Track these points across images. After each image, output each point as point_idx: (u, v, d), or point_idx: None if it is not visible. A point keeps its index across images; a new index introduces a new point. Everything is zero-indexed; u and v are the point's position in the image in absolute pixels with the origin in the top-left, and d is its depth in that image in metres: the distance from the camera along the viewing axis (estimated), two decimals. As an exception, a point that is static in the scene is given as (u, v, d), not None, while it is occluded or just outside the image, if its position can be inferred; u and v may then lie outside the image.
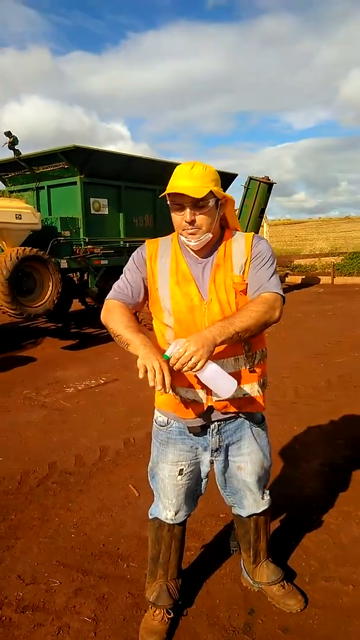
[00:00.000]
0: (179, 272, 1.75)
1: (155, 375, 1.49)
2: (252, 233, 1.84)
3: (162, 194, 1.69)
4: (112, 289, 1.85)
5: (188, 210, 1.65)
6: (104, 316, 1.81)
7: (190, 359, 1.49)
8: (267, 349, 1.88)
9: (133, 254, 1.86)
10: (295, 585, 2.17)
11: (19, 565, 2.38)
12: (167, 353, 1.54)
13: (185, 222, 1.66)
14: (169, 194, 1.66)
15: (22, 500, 2.98)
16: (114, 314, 1.76)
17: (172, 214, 1.72)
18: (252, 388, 1.81)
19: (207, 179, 1.65)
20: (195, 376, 1.64)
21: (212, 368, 1.56)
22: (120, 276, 1.86)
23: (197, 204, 1.65)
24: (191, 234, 1.69)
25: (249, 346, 1.76)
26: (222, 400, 1.76)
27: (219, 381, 1.60)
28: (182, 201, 1.65)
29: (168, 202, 1.74)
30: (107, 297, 1.84)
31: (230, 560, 2.34)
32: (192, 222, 1.66)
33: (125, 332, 1.70)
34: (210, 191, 1.64)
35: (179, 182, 1.65)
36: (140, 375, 1.52)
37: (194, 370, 1.52)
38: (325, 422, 4.03)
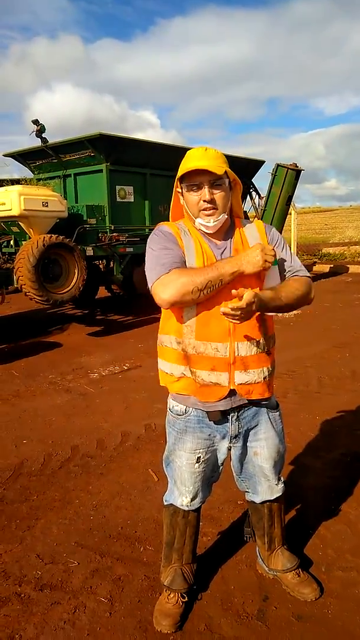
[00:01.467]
0: (205, 253, 1.74)
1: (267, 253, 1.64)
2: (261, 221, 1.91)
3: (180, 174, 1.69)
4: (156, 270, 1.67)
5: (206, 188, 1.68)
6: (168, 293, 1.61)
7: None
8: (275, 334, 1.90)
9: (153, 237, 1.76)
10: (310, 573, 2.16)
11: (38, 545, 2.44)
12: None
13: (204, 201, 1.68)
14: (185, 176, 1.69)
15: (44, 482, 3.04)
16: (181, 278, 1.61)
17: (188, 196, 1.73)
18: (269, 370, 1.84)
19: (221, 160, 1.71)
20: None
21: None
22: (155, 259, 1.70)
23: (215, 183, 1.68)
24: (209, 214, 1.70)
25: (265, 329, 1.79)
26: (245, 384, 1.77)
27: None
28: (201, 180, 1.67)
29: (178, 189, 1.76)
30: (154, 281, 1.67)
31: (246, 547, 2.34)
32: (211, 201, 1.68)
33: (207, 273, 1.61)
34: (225, 171, 1.68)
35: (196, 162, 1.67)
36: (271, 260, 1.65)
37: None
38: (349, 412, 3.97)
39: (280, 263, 1.82)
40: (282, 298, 1.71)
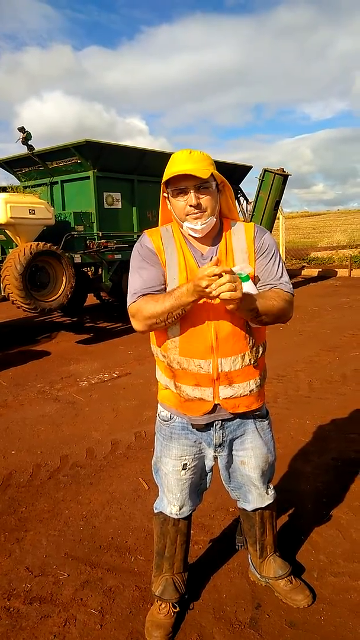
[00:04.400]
0: (188, 267, 1.70)
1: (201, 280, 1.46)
2: (253, 223, 1.81)
3: (165, 178, 1.65)
4: (129, 296, 1.72)
5: (192, 193, 1.63)
6: (137, 323, 1.69)
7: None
8: (266, 342, 1.86)
9: (134, 252, 1.77)
10: (303, 580, 2.15)
11: (28, 557, 2.40)
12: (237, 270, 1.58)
13: (190, 205, 1.64)
14: (170, 180, 1.64)
15: (33, 493, 3.00)
16: (144, 310, 1.65)
17: (174, 201, 1.68)
18: (256, 382, 1.79)
19: (207, 162, 1.66)
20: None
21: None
22: (131, 281, 1.74)
23: (201, 187, 1.63)
24: (196, 217, 1.65)
25: (253, 342, 1.75)
26: (231, 399, 1.75)
27: None
28: (186, 184, 1.63)
29: (165, 193, 1.72)
30: (128, 307, 1.73)
31: (238, 555, 2.33)
32: (197, 206, 1.63)
33: (166, 304, 1.59)
34: (212, 173, 1.63)
35: (181, 167, 1.62)
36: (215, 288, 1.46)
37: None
38: (339, 416, 3.98)
39: (265, 274, 1.73)
40: (258, 304, 1.61)
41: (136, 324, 1.71)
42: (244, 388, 1.76)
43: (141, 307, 1.66)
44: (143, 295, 1.68)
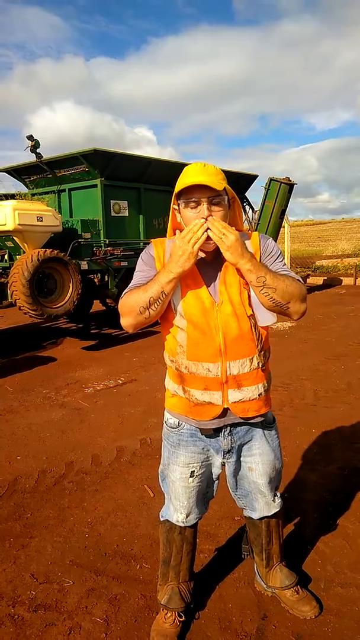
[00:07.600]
0: (189, 274, 1.70)
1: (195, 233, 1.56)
2: (257, 232, 1.83)
3: (178, 189, 1.64)
4: (123, 294, 1.75)
5: (205, 205, 1.63)
6: (124, 319, 1.73)
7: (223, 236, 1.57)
8: (270, 347, 1.86)
9: (139, 259, 1.81)
10: (309, 590, 2.13)
11: (32, 564, 2.40)
12: None
13: (202, 218, 1.63)
14: (182, 191, 1.64)
15: (38, 499, 3.00)
16: (128, 301, 1.69)
17: (185, 212, 1.68)
18: (264, 386, 1.80)
19: (221, 176, 1.66)
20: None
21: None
22: (132, 282, 1.79)
23: (214, 200, 1.63)
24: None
25: (261, 345, 1.75)
26: (240, 402, 1.75)
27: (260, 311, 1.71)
28: (199, 196, 1.62)
29: (175, 205, 1.72)
30: (119, 304, 1.76)
31: (244, 564, 2.31)
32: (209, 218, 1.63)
33: (147, 290, 1.64)
34: (224, 187, 1.63)
35: (195, 178, 1.61)
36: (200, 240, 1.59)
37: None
38: (345, 425, 3.96)
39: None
40: (269, 275, 1.61)
41: (123, 320, 1.75)
42: (253, 392, 1.76)
43: (126, 300, 1.71)
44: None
